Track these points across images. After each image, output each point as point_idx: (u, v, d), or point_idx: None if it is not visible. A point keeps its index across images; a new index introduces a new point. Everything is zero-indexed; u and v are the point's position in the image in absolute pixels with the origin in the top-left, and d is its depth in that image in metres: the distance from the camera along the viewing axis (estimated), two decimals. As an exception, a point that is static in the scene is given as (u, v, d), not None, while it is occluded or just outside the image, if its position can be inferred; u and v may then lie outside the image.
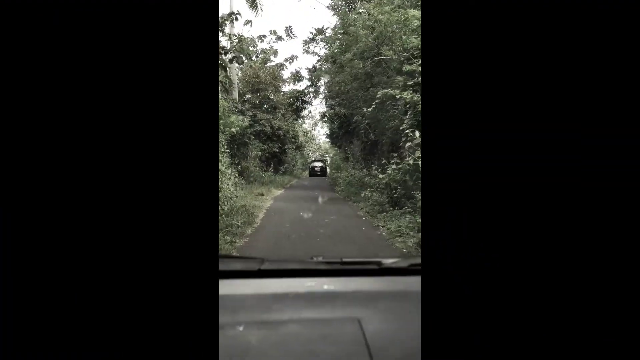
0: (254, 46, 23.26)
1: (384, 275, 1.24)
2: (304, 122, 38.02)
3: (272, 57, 24.75)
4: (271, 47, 24.85)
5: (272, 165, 23.14)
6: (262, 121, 21.89)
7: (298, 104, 23.04)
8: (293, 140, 28.36)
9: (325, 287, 1.14)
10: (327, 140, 38.97)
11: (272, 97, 23.52)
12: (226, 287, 1.00)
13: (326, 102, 21.33)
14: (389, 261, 1.27)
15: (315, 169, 31.69)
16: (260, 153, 21.16)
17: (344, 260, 1.25)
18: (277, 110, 24.21)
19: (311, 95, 23.35)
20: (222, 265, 1.02)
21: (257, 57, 24.58)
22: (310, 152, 51.32)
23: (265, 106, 24.48)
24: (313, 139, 44.97)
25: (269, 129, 22.49)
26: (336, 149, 33.54)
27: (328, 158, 44.54)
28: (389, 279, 1.24)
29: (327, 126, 32.80)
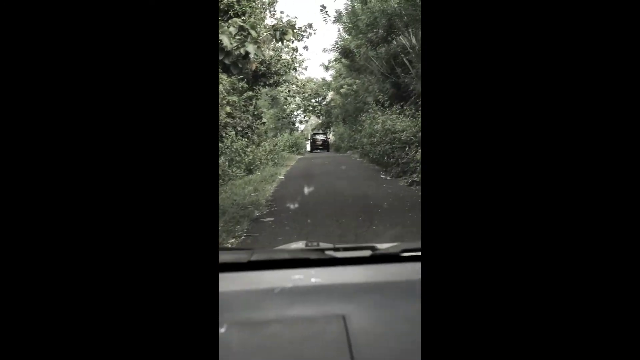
0: None
1: (377, 262, 1.16)
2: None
3: None
4: None
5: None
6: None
7: None
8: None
9: (313, 280, 1.06)
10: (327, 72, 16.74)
11: None
12: None
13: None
14: (383, 247, 1.21)
15: (317, 142, 27.72)
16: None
17: (337, 246, 1.19)
18: None
19: None
20: None
21: None
22: (289, 97, 28.64)
23: None
24: (295, 67, 21.74)
25: None
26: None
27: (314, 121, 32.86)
28: (382, 267, 1.16)
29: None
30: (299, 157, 18.80)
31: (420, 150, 7.77)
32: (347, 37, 14.61)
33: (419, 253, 1.07)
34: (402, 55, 12.44)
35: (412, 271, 0.98)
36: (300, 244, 1.32)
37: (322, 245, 1.22)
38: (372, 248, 1.15)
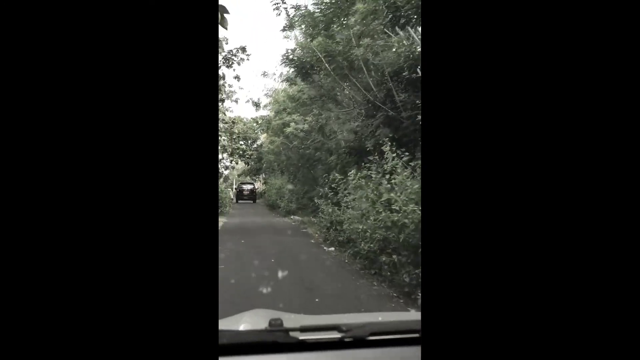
0: None
1: (346, 347, 1.09)
2: None
3: None
4: None
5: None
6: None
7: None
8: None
9: None
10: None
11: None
12: None
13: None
14: (349, 323, 1.11)
15: (244, 192, 25.70)
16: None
17: (303, 327, 1.09)
18: None
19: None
20: None
21: None
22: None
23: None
24: (222, 98, 16.33)
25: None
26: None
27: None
28: (351, 353, 1.09)
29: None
30: (223, 222, 12.80)
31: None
32: (307, 43, 9.36)
33: (386, 337, 1.10)
34: (406, 68, 7.23)
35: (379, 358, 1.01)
36: (260, 318, 1.18)
37: (286, 323, 1.08)
38: (338, 328, 1.09)
